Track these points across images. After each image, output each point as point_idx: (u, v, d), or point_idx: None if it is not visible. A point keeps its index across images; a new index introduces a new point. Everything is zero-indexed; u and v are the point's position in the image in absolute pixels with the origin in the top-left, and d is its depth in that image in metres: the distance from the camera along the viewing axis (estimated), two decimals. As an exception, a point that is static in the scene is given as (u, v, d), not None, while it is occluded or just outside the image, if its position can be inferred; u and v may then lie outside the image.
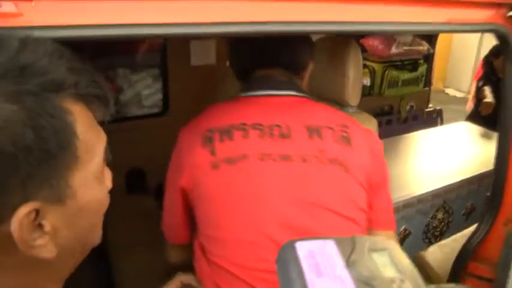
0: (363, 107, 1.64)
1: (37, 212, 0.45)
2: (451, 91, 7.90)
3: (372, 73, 3.41)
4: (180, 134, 1.10)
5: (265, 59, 1.18)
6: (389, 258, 0.41)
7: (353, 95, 1.48)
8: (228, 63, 2.63)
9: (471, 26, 1.26)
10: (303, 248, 0.41)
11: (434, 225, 2.15)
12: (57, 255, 0.47)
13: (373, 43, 3.34)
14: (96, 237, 0.56)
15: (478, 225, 1.53)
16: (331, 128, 1.06)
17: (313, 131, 1.05)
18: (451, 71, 8.31)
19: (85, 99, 0.49)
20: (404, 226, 2.00)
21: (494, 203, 1.46)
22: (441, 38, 3.83)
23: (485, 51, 6.49)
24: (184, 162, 1.04)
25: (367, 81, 3.39)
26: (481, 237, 1.49)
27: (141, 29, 0.75)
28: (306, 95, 1.17)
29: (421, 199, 2.05)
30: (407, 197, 2.03)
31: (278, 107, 1.11)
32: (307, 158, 1.01)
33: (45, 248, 0.46)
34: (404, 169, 2.31)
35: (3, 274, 0.47)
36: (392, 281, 0.38)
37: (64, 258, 0.50)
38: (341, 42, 1.48)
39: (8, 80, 0.42)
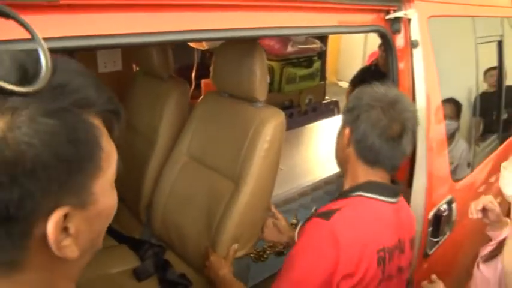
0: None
1: (65, 216, 0.49)
2: (343, 84, 8.43)
3: (271, 71, 3.53)
4: (339, 236, 1.09)
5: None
6: None
7: (261, 91, 1.59)
8: (135, 68, 2.66)
9: (358, 28, 1.48)
10: None
11: None
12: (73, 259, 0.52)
13: (269, 43, 3.46)
14: (101, 241, 0.60)
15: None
16: None
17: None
18: (342, 65, 8.93)
19: (103, 114, 0.53)
20: (314, 207, 2.12)
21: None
22: (331, 37, 4.09)
23: (370, 46, 7.06)
24: (352, 269, 1.09)
25: (267, 79, 3.52)
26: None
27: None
28: None
29: (327, 181, 2.24)
30: (315, 180, 2.21)
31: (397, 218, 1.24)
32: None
33: (69, 248, 0.51)
34: (309, 156, 2.50)
35: (29, 272, 0.51)
36: None
37: (79, 259, 0.55)
38: (247, 44, 1.58)
39: (47, 98, 0.46)
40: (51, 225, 0.48)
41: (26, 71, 0.46)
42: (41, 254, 0.50)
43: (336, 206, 1.17)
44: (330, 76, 6.21)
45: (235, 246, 1.55)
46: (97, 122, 0.52)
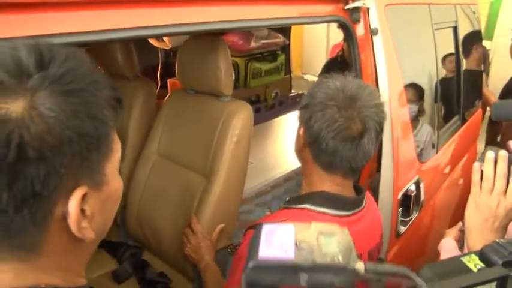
0: None
1: (83, 196, 0.51)
2: (309, 77, 8.54)
3: (236, 67, 3.52)
4: None
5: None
6: (335, 240, 0.50)
7: (227, 85, 1.61)
8: (100, 69, 2.62)
9: (318, 18, 1.50)
10: (267, 227, 0.52)
11: None
12: (86, 241, 0.54)
13: (233, 39, 3.46)
14: (108, 227, 0.62)
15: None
16: None
17: None
18: (306, 59, 9.04)
19: (108, 100, 0.55)
20: (287, 198, 2.20)
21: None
22: (294, 31, 4.12)
23: (332, 39, 7.14)
24: None
25: (232, 74, 3.53)
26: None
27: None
28: None
29: (298, 172, 2.25)
30: (287, 172, 2.23)
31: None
32: None
33: (87, 230, 0.53)
34: (279, 148, 2.53)
35: (48, 256, 0.52)
36: (327, 254, 0.48)
37: (91, 243, 0.57)
38: (210, 39, 1.60)
39: (64, 80, 0.49)
40: (73, 204, 0.50)
41: (42, 56, 0.49)
42: (59, 236, 0.52)
43: (276, 219, 1.08)
44: (295, 70, 6.27)
45: (220, 226, 1.56)
46: (108, 108, 0.54)
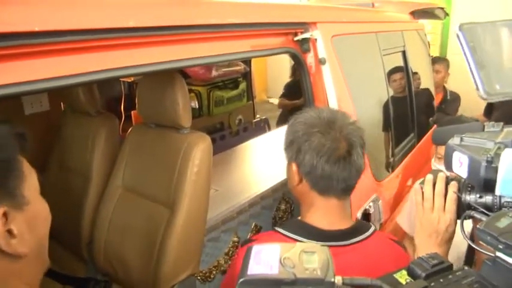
0: (196, 127, 1.79)
1: (6, 216, 0.58)
2: (274, 100, 8.66)
3: (199, 96, 3.61)
4: None
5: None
6: (316, 257, 0.56)
7: (185, 118, 1.65)
8: (63, 106, 2.62)
9: (270, 51, 1.58)
10: (256, 248, 0.58)
11: (280, 216, 2.38)
12: (24, 259, 0.61)
13: (194, 69, 3.50)
14: (46, 246, 0.69)
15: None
16: None
17: None
18: (270, 83, 9.25)
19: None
20: (254, 222, 2.22)
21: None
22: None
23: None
24: None
25: (195, 104, 3.57)
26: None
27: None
28: None
29: (263, 196, 2.28)
30: (252, 197, 2.24)
31: None
32: None
33: (18, 245, 0.60)
34: (243, 174, 2.57)
35: None
36: (307, 269, 0.54)
37: (30, 261, 0.63)
38: (167, 75, 1.65)
39: None
40: None
41: None
42: None
43: (255, 237, 1.20)
44: (260, 94, 6.39)
45: None
46: (12, 139, 0.63)
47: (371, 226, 1.20)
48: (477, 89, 0.68)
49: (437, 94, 3.97)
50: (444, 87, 4.25)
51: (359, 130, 1.13)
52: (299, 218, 1.20)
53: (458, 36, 0.71)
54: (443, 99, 4.22)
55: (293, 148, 1.11)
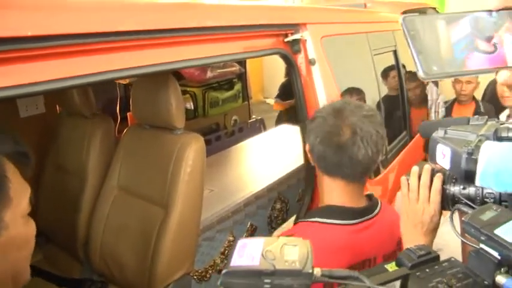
0: (191, 128, 1.81)
1: None
2: (270, 101, 8.69)
3: (194, 97, 3.62)
4: None
5: None
6: (296, 250, 0.57)
7: (178, 119, 1.68)
8: (59, 109, 2.64)
9: (261, 52, 1.61)
10: (241, 242, 0.60)
11: (275, 215, 2.41)
12: None
13: (189, 70, 3.49)
14: (26, 272, 0.66)
15: (301, 206, 1.90)
16: None
17: None
18: (267, 83, 9.24)
19: (11, 155, 0.62)
20: (250, 222, 2.24)
21: (308, 187, 1.85)
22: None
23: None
24: None
25: (190, 105, 3.58)
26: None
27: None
28: None
29: (258, 195, 2.30)
30: (247, 196, 2.26)
31: (356, 240, 1.20)
32: None
33: None
34: (239, 174, 2.58)
35: None
36: (287, 261, 0.56)
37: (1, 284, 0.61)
38: (160, 76, 1.67)
39: None
40: None
41: None
42: None
43: (291, 232, 1.23)
44: (256, 95, 6.40)
45: None
46: (5, 161, 0.60)
47: (377, 198, 1.29)
48: (417, 70, 0.73)
49: (464, 105, 3.69)
50: (474, 98, 3.75)
51: (374, 124, 1.16)
52: (321, 205, 1.25)
53: (401, 26, 0.76)
54: (476, 112, 3.71)
55: (307, 130, 1.23)
